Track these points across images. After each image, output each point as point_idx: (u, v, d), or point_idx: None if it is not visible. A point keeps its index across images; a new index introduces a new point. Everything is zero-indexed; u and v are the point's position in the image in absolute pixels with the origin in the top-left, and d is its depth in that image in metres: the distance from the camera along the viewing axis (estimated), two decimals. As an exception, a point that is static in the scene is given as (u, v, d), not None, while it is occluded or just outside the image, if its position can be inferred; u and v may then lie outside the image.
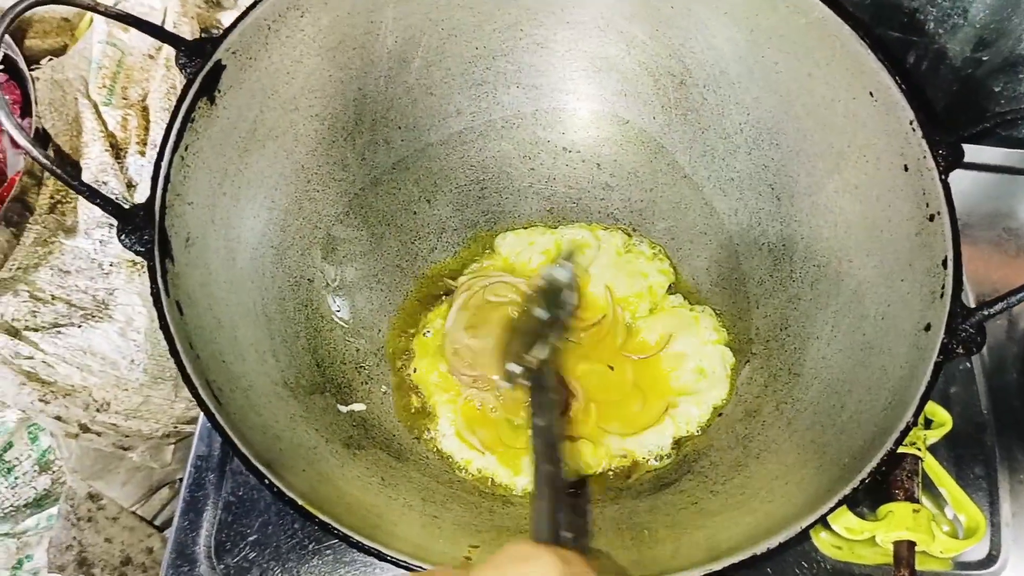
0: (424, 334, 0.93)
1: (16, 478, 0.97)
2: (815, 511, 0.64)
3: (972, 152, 1.15)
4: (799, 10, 0.81)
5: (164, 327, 0.67)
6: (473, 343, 0.91)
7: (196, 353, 0.69)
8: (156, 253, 0.69)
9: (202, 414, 0.72)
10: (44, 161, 0.65)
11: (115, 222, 0.69)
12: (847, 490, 0.64)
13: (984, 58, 1.12)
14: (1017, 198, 1.13)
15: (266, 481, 0.63)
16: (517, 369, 0.85)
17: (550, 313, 0.89)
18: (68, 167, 0.95)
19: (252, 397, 0.73)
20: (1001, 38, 1.09)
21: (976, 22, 1.07)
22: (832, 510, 0.64)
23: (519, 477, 0.84)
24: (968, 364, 1.00)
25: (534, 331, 0.88)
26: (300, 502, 0.63)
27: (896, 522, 0.84)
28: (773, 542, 0.63)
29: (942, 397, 0.97)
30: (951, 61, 1.13)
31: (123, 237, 0.69)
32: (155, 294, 0.68)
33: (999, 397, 0.98)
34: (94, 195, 0.68)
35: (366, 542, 0.63)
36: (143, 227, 0.69)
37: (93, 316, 0.95)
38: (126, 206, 0.70)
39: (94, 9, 0.71)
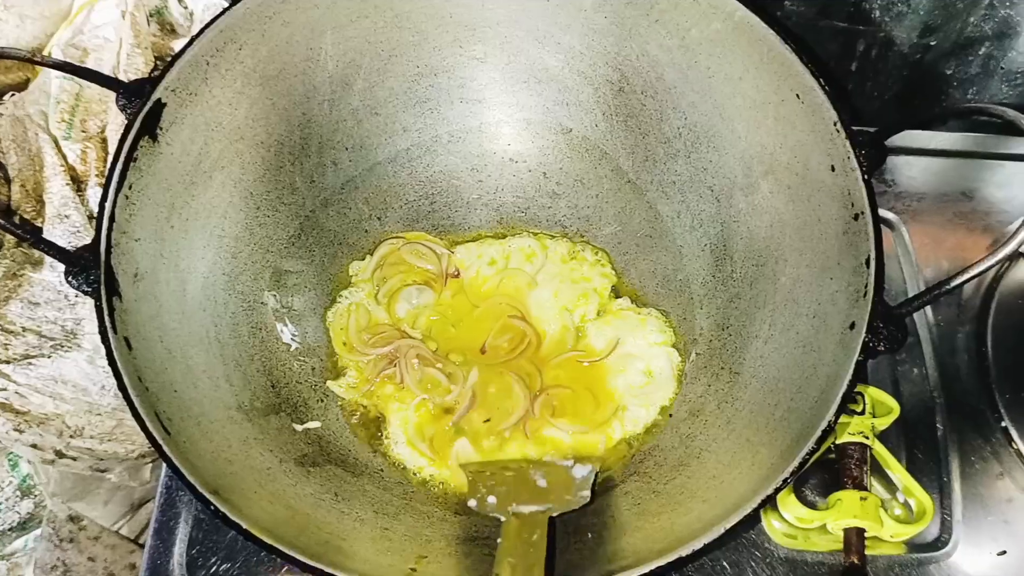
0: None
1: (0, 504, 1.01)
2: (736, 513, 0.66)
3: (923, 137, 1.16)
4: (726, 16, 0.83)
5: (112, 363, 0.70)
6: (381, 315, 0.95)
7: (145, 386, 0.71)
8: (103, 292, 0.72)
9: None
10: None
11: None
12: (769, 490, 0.66)
13: (932, 43, 1.13)
14: (967, 181, 1.14)
15: (211, 508, 0.66)
16: (492, 502, 0.83)
17: (549, 490, 0.85)
18: (17, 214, 0.97)
19: (204, 424, 0.76)
20: (948, 22, 1.11)
21: (920, 8, 1.08)
22: (756, 510, 0.66)
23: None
24: (918, 347, 1.02)
25: (527, 488, 0.85)
26: (244, 526, 0.66)
27: (844, 510, 0.87)
28: (698, 543, 0.65)
29: (892, 382, 1.00)
30: (899, 48, 1.14)
31: (70, 279, 0.72)
32: (103, 332, 0.71)
33: (949, 379, 1.00)
34: (39, 241, 0.71)
35: (309, 561, 0.65)
36: (89, 267, 0.72)
37: (62, 346, 0.98)
38: (78, 242, 0.73)
39: (32, 60, 0.74)
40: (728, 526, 0.66)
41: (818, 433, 0.68)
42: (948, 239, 1.11)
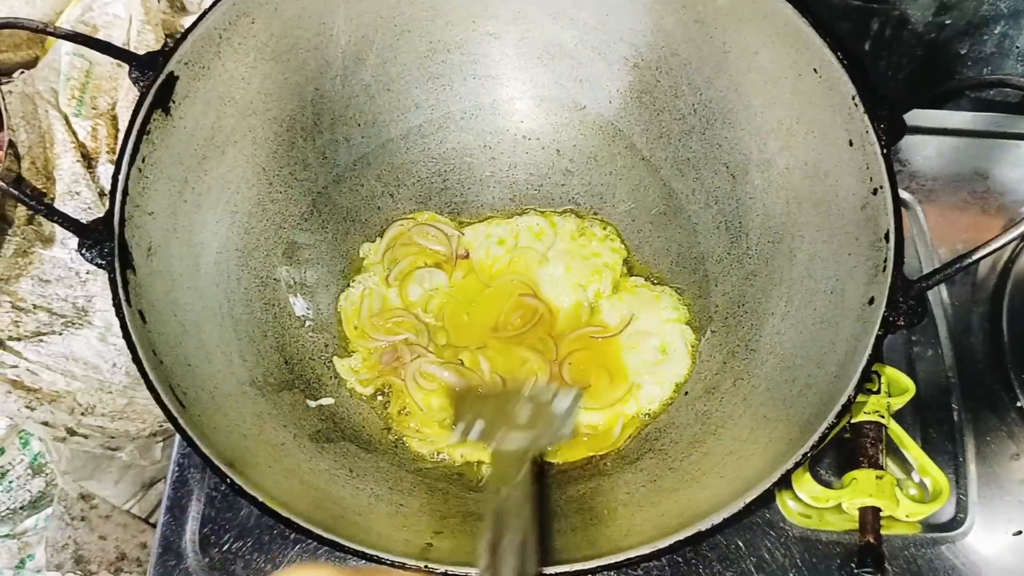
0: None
1: (11, 482, 1.00)
2: (754, 488, 0.66)
3: (938, 117, 1.15)
4: (742, -10, 0.82)
5: (127, 336, 0.70)
6: (394, 298, 0.95)
7: (159, 359, 0.71)
8: (116, 265, 0.71)
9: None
10: (7, 188, 0.67)
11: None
12: (789, 464, 0.66)
13: (947, 21, 1.12)
14: (982, 161, 1.13)
15: (227, 480, 0.66)
16: (477, 432, 0.84)
17: (532, 424, 0.84)
18: (27, 187, 0.97)
19: (218, 398, 0.76)
20: (963, 1, 1.10)
21: (935, -14, 1.07)
22: (774, 486, 0.66)
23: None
24: (933, 327, 1.01)
25: (510, 420, 0.84)
26: (260, 498, 0.65)
27: (860, 489, 0.86)
28: (717, 518, 0.65)
29: (907, 362, 0.99)
30: (913, 27, 1.13)
31: (83, 251, 0.71)
32: (116, 304, 0.70)
33: (964, 359, 1.00)
34: (52, 213, 0.71)
35: (325, 534, 0.65)
36: (103, 240, 0.72)
37: (73, 323, 0.98)
38: (88, 219, 0.73)
39: (45, 31, 0.73)
40: (747, 501, 0.65)
41: (838, 408, 0.67)
42: (962, 219, 1.10)
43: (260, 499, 0.65)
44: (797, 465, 0.66)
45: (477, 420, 0.84)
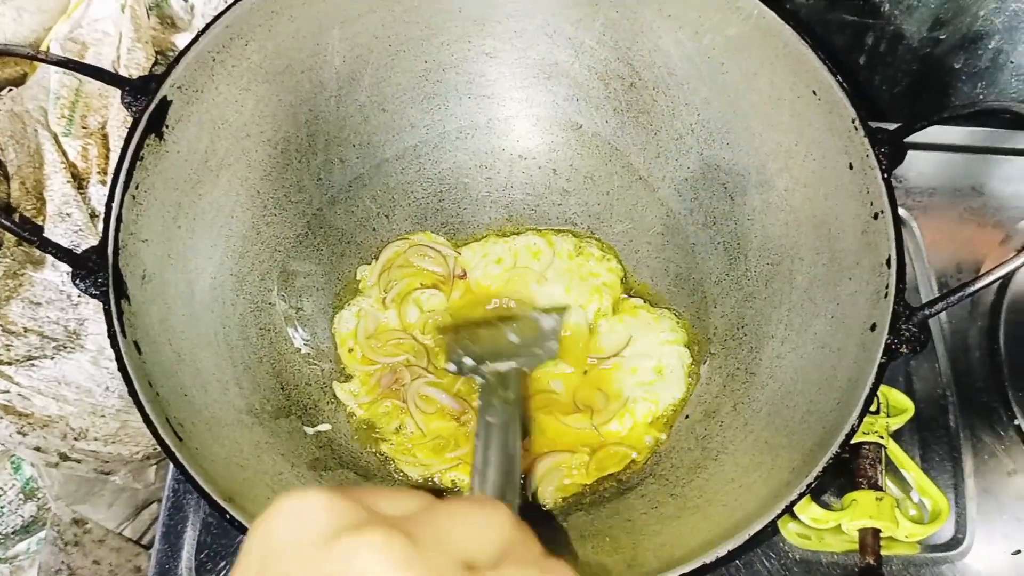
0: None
1: (2, 507, 0.99)
2: (761, 517, 0.65)
3: (932, 132, 1.14)
4: (741, 11, 0.82)
5: (122, 368, 0.69)
6: (391, 320, 0.94)
7: (155, 391, 0.70)
8: (111, 295, 0.70)
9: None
10: (-9, 216, 0.66)
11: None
12: (793, 495, 0.66)
13: (942, 36, 1.12)
14: (977, 177, 1.13)
15: (227, 516, 0.65)
16: (469, 363, 0.87)
17: (521, 344, 0.89)
18: (20, 215, 0.96)
19: (215, 428, 0.75)
20: (957, 16, 1.10)
21: (931, 2, 1.07)
22: (778, 517, 0.65)
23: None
24: (931, 345, 1.01)
25: (500, 345, 0.89)
26: (260, 535, 0.64)
27: (860, 511, 0.86)
28: (722, 550, 0.65)
29: (905, 380, 0.99)
30: (909, 41, 1.13)
31: (77, 282, 0.70)
32: (112, 336, 0.69)
33: (961, 377, 1.00)
34: (45, 244, 0.69)
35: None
36: (97, 270, 0.71)
37: (65, 347, 0.96)
38: (86, 246, 0.72)
39: (36, 58, 0.72)
40: (752, 531, 0.65)
41: (841, 437, 0.67)
42: (958, 234, 1.10)
43: (260, 535, 0.64)
44: (802, 495, 0.66)
45: (468, 352, 0.88)
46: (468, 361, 0.87)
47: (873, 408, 0.91)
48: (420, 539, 0.37)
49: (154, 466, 1.08)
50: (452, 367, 0.88)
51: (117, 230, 0.73)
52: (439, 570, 0.37)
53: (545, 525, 0.81)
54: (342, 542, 0.37)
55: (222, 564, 0.87)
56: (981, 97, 1.17)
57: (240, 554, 0.40)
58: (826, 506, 0.89)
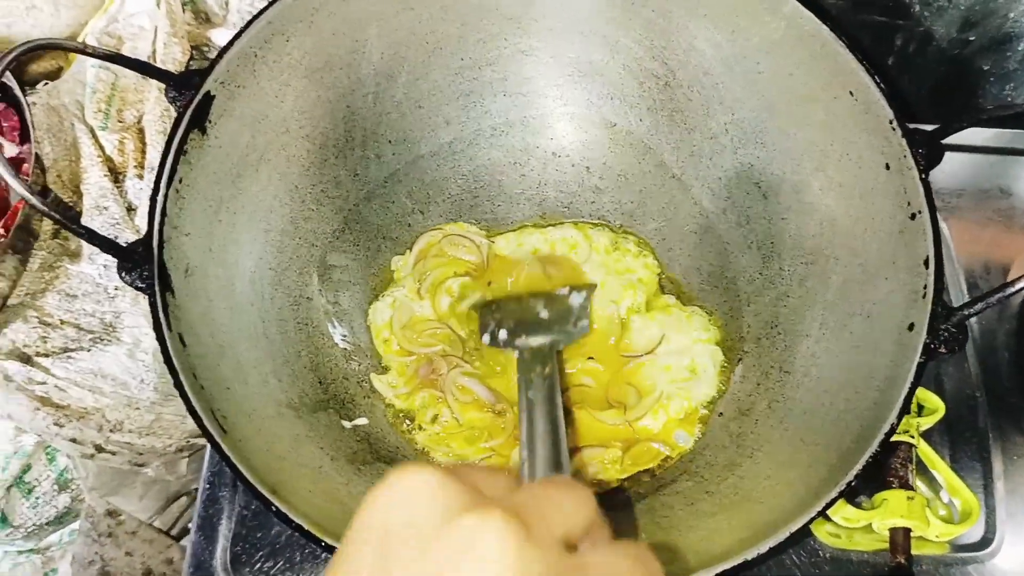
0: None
1: (37, 498, 1.00)
2: (802, 515, 0.66)
3: (959, 133, 1.14)
4: (777, 11, 0.82)
5: (168, 361, 0.69)
6: (426, 310, 0.95)
7: (200, 384, 0.71)
8: (157, 288, 0.71)
9: (210, 440, 0.74)
10: (43, 208, 0.66)
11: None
12: (833, 493, 0.66)
13: (971, 38, 1.12)
14: (1007, 178, 1.13)
15: (273, 508, 0.65)
16: (503, 335, 0.89)
17: (552, 320, 0.91)
18: (65, 206, 0.97)
19: (256, 421, 0.75)
20: (987, 18, 1.10)
21: (961, 3, 1.07)
22: (818, 515, 0.66)
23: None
24: (960, 346, 1.01)
25: (530, 319, 0.91)
26: (306, 526, 0.65)
27: (891, 510, 0.86)
28: (764, 547, 0.65)
29: (935, 380, 0.99)
30: (938, 43, 1.13)
31: (123, 274, 0.71)
32: (157, 328, 0.70)
33: (991, 377, 1.00)
34: (92, 237, 0.70)
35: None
36: (142, 263, 0.71)
37: (101, 339, 0.97)
38: (125, 239, 0.72)
39: (83, 51, 0.73)
40: (793, 529, 0.65)
41: (881, 436, 0.67)
42: (986, 235, 1.10)
43: (306, 527, 0.65)
44: (841, 494, 0.66)
45: (502, 325, 0.90)
46: (503, 334, 0.89)
47: (905, 408, 0.91)
48: (529, 520, 0.39)
49: (186, 458, 1.09)
50: (487, 338, 0.91)
51: (162, 223, 0.73)
52: (549, 550, 0.39)
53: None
54: (462, 524, 0.38)
55: (257, 556, 0.88)
56: (1010, 99, 1.17)
57: (353, 531, 0.40)
58: (857, 505, 0.90)
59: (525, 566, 0.37)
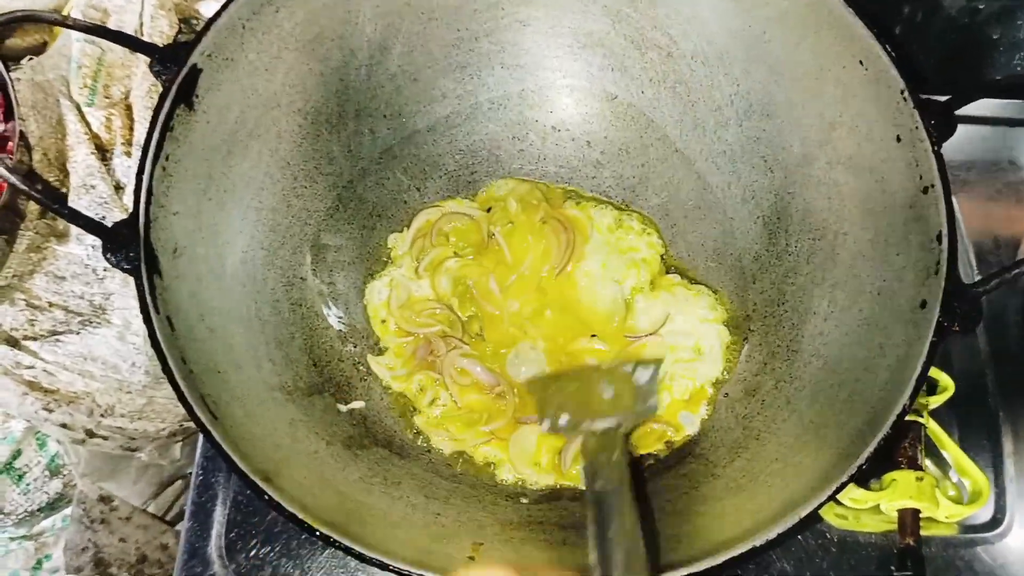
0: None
1: (28, 484, 0.98)
2: (811, 499, 0.64)
3: (971, 105, 1.12)
4: (785, -22, 0.79)
5: (155, 345, 0.67)
6: (424, 290, 0.93)
7: (189, 368, 0.68)
8: (143, 270, 0.68)
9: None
10: (23, 187, 0.64)
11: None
12: (843, 478, 0.64)
13: (980, 6, 1.09)
14: (1018, 150, 1.11)
15: (265, 497, 0.64)
16: (564, 421, 0.81)
17: (617, 400, 0.83)
18: (48, 186, 0.94)
19: (249, 406, 0.73)
20: (997, -14, 1.07)
21: (970, -29, 1.04)
22: (828, 500, 0.64)
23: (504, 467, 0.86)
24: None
25: (595, 402, 0.82)
26: (300, 515, 0.63)
27: (900, 491, 0.85)
28: (772, 533, 0.63)
29: (943, 357, 0.97)
30: (946, 11, 1.10)
31: (108, 256, 0.69)
32: (144, 311, 0.68)
33: (1001, 354, 0.98)
34: (76, 217, 0.68)
35: (368, 552, 0.63)
36: (128, 243, 0.69)
37: (91, 322, 0.95)
38: (114, 219, 0.70)
39: (63, 24, 0.70)
40: (803, 514, 0.63)
41: (892, 418, 0.65)
42: (996, 210, 1.08)
43: (300, 516, 0.63)
44: (852, 478, 0.64)
45: (563, 409, 0.82)
46: (564, 420, 0.81)
47: (913, 386, 0.89)
48: None
49: (180, 443, 1.07)
50: (546, 425, 0.82)
51: (148, 202, 0.71)
52: None
53: (584, 504, 0.80)
54: None
55: (252, 543, 0.86)
56: (1020, 69, 1.14)
57: None
58: (865, 486, 0.88)
59: None
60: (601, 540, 0.64)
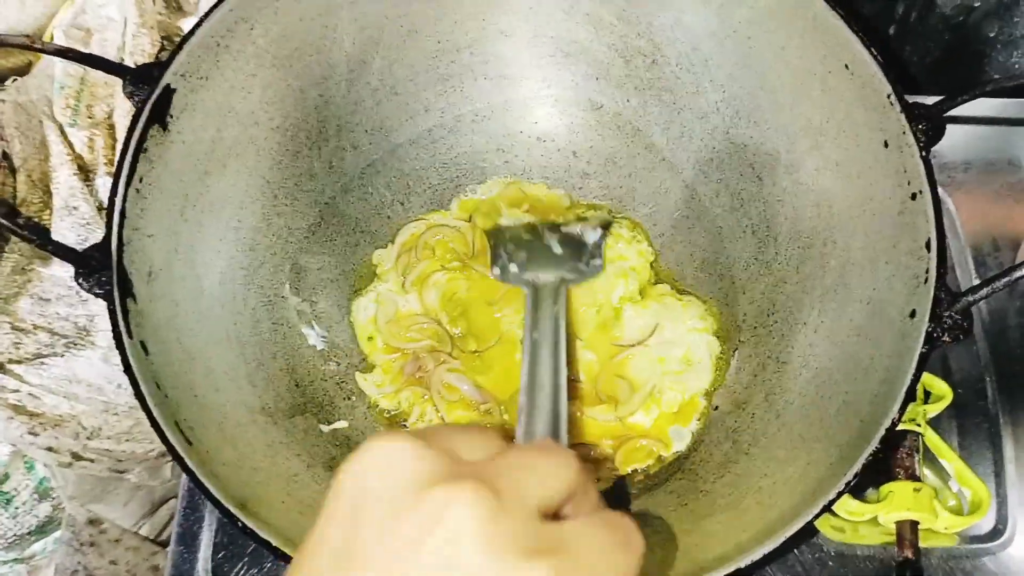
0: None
1: (16, 508, 0.98)
2: (800, 516, 0.62)
3: (966, 104, 1.10)
4: (768, -19, 0.78)
5: (128, 370, 0.66)
6: (412, 304, 0.92)
7: (164, 393, 0.68)
8: (116, 295, 0.68)
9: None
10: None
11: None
12: (832, 494, 0.62)
13: (976, 4, 1.07)
14: (1016, 150, 1.08)
15: (239, 524, 0.62)
16: (514, 269, 0.87)
17: (564, 256, 0.88)
18: (13, 210, 0.93)
19: (227, 430, 0.72)
20: (994, -18, 1.05)
21: (965, -33, 1.03)
22: (818, 515, 0.62)
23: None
24: (969, 328, 0.97)
25: (543, 254, 0.88)
26: (274, 543, 0.62)
27: (897, 502, 0.83)
28: (758, 553, 0.62)
29: (941, 364, 0.95)
30: (941, 10, 1.09)
31: (80, 280, 0.68)
32: (117, 337, 0.67)
33: (1001, 360, 0.96)
34: (45, 242, 0.67)
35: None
36: (101, 268, 0.68)
37: (75, 344, 0.94)
38: (93, 240, 0.69)
39: (31, 48, 0.69)
40: (790, 532, 0.62)
41: (882, 431, 0.63)
42: (995, 211, 1.06)
43: (274, 543, 0.62)
44: (840, 494, 0.63)
45: (513, 258, 0.88)
46: (513, 267, 0.87)
47: (910, 395, 0.88)
48: (502, 490, 0.39)
49: (170, 463, 1.06)
50: (496, 271, 0.88)
51: (121, 225, 0.70)
52: (523, 521, 0.39)
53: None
54: (433, 493, 0.38)
55: (240, 565, 0.85)
56: (1017, 67, 1.12)
57: (329, 497, 0.41)
58: (862, 498, 0.86)
59: (494, 538, 0.37)
60: (530, 386, 0.67)
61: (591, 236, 0.90)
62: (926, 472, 0.87)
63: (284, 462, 0.75)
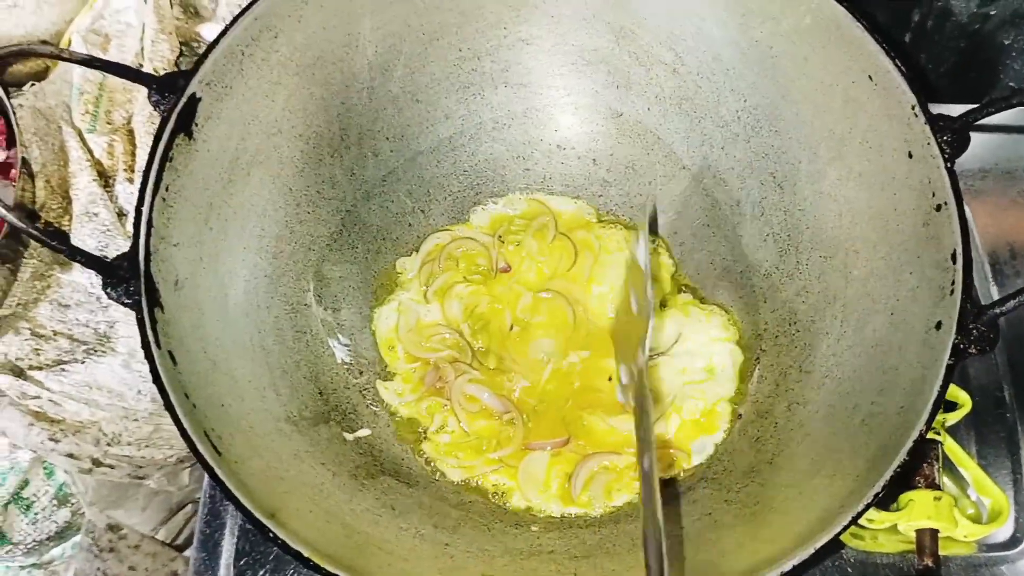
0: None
1: (36, 514, 0.98)
2: (827, 529, 0.62)
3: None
4: (791, -9, 0.78)
5: (157, 380, 0.66)
6: (434, 314, 0.92)
7: (192, 403, 0.68)
8: (144, 304, 0.68)
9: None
10: (20, 226, 0.63)
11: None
12: (860, 506, 0.63)
13: (991, 12, 1.08)
14: (1031, 159, 1.09)
15: (271, 535, 0.62)
16: (626, 377, 0.80)
17: (638, 305, 0.79)
18: (45, 223, 0.93)
19: (253, 439, 0.72)
20: (1008, -9, 1.05)
21: (981, -25, 1.03)
22: (844, 529, 0.62)
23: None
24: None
25: (633, 328, 0.79)
26: (306, 554, 0.62)
27: (917, 511, 0.83)
28: (787, 565, 0.61)
29: (960, 373, 0.95)
30: (957, 18, 1.09)
31: (108, 290, 0.68)
32: (146, 347, 0.67)
33: (1019, 369, 0.96)
34: (73, 252, 0.67)
35: (375, 590, 0.62)
36: (128, 278, 0.68)
37: (95, 350, 0.94)
38: (117, 246, 0.69)
39: (60, 57, 0.69)
40: (819, 544, 0.62)
41: (910, 443, 0.64)
42: (1010, 219, 1.06)
43: (306, 554, 0.62)
44: (868, 506, 0.63)
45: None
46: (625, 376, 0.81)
47: (929, 404, 0.88)
48: None
49: (188, 469, 1.06)
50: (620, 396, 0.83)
51: (148, 235, 0.70)
52: None
53: (595, 532, 0.79)
54: None
55: (262, 571, 0.85)
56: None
57: None
58: (882, 506, 0.86)
59: None
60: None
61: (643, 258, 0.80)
62: (945, 480, 0.87)
63: (310, 471, 0.75)
